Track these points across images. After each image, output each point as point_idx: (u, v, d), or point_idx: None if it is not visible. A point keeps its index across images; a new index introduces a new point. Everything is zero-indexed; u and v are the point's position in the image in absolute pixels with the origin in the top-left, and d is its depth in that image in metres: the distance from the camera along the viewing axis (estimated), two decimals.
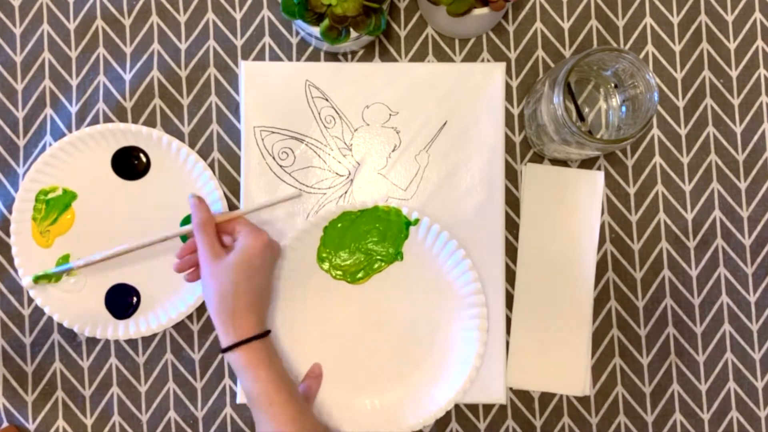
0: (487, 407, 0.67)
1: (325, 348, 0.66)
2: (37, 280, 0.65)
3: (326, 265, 0.66)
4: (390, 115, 0.67)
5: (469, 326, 0.65)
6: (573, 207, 0.67)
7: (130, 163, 0.68)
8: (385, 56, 0.69)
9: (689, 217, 0.68)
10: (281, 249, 0.63)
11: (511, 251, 0.67)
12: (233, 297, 0.57)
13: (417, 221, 0.65)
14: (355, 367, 0.66)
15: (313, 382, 0.64)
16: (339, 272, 0.66)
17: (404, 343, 0.66)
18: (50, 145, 0.67)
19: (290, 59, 0.69)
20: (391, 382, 0.66)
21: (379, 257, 0.66)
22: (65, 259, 0.67)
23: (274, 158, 0.67)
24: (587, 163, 0.68)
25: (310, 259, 0.66)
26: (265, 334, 0.58)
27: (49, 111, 0.69)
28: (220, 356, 0.67)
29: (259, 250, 0.59)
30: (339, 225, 0.65)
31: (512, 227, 0.68)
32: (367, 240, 0.66)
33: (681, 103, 0.68)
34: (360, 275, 0.66)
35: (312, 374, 0.65)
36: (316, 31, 0.61)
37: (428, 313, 0.66)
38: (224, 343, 0.57)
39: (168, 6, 0.69)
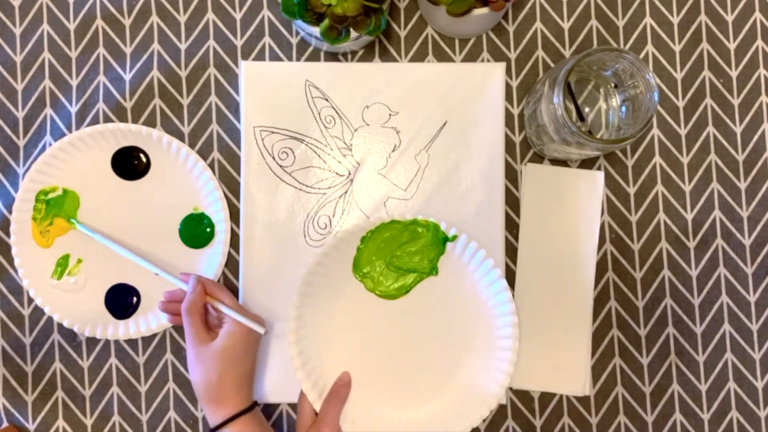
0: None
1: (355, 358, 0.66)
2: None
3: (361, 276, 0.66)
4: (390, 115, 0.67)
5: (500, 346, 0.64)
6: (573, 207, 0.67)
7: (130, 163, 0.68)
8: (385, 56, 0.69)
9: (689, 217, 0.68)
10: (267, 326, 0.64)
11: (511, 251, 0.67)
12: (218, 383, 0.58)
13: (455, 237, 0.64)
14: (384, 379, 0.66)
15: (342, 390, 0.64)
16: (373, 284, 0.66)
17: (434, 358, 0.66)
18: (50, 145, 0.67)
19: (290, 59, 0.69)
20: (419, 398, 0.65)
21: (414, 271, 0.66)
22: (65, 259, 0.67)
23: (274, 158, 0.67)
24: (587, 163, 0.68)
25: (345, 268, 0.66)
26: (252, 407, 0.60)
27: (49, 111, 0.69)
28: None
29: (243, 336, 0.60)
30: (376, 236, 0.65)
31: (512, 227, 0.68)
32: (403, 253, 0.65)
33: (681, 103, 0.68)
34: (394, 288, 0.66)
35: (341, 381, 0.64)
36: (316, 31, 0.61)
37: (460, 330, 0.66)
38: (212, 423, 0.59)
39: (168, 6, 0.69)
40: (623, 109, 0.63)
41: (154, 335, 0.68)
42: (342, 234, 0.64)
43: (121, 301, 0.67)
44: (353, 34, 0.61)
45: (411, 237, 0.65)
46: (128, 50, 0.69)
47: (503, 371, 0.63)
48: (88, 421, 0.68)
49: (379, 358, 0.66)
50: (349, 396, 0.64)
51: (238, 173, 0.68)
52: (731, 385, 0.68)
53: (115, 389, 0.68)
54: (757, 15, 0.69)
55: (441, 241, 0.65)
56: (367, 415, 0.64)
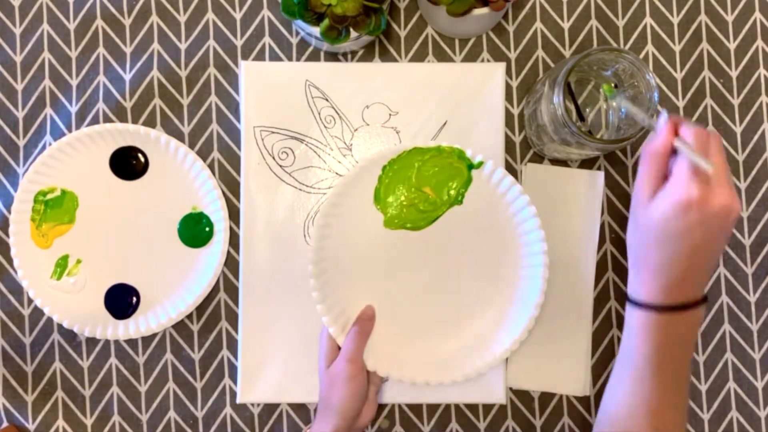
0: (487, 407, 0.67)
1: (379, 291, 0.64)
2: None
3: (382, 207, 0.64)
4: (390, 115, 0.67)
5: (528, 275, 0.63)
6: (573, 207, 0.67)
7: (128, 163, 0.68)
8: (385, 56, 0.69)
9: None
10: (729, 214, 0.46)
11: None
12: (641, 251, 0.50)
13: (480, 164, 0.62)
14: (408, 313, 0.64)
15: (365, 324, 0.62)
16: (395, 214, 0.64)
17: (460, 290, 0.64)
18: (50, 144, 0.67)
19: (290, 59, 0.69)
20: (444, 333, 0.64)
21: (438, 200, 0.64)
22: (64, 260, 0.67)
23: (274, 158, 0.67)
24: (587, 163, 0.68)
25: (367, 199, 0.64)
26: (693, 304, 0.49)
27: (49, 111, 0.69)
28: (220, 356, 0.67)
29: (676, 209, 0.45)
30: (397, 165, 0.63)
31: None
32: (426, 182, 0.63)
33: (681, 103, 0.68)
34: (418, 219, 0.64)
35: (364, 315, 0.63)
36: (316, 31, 0.61)
37: (486, 261, 0.64)
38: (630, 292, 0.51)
39: (168, 6, 0.69)
40: (623, 109, 0.63)
41: (154, 335, 0.68)
42: (363, 163, 0.62)
43: (121, 301, 0.67)
44: (353, 34, 0.61)
45: (435, 165, 0.63)
46: (128, 50, 0.69)
47: (532, 303, 0.62)
48: (88, 421, 0.68)
49: (403, 291, 0.65)
50: (374, 331, 0.63)
51: (238, 173, 0.68)
52: (731, 385, 0.68)
53: (115, 389, 0.68)
54: (757, 15, 0.69)
55: (467, 168, 0.63)
56: (391, 350, 0.63)
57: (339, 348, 0.62)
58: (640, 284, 0.51)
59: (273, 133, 0.67)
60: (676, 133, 0.48)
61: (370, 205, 0.64)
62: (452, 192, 0.64)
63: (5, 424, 0.67)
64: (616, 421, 0.53)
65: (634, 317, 0.52)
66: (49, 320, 0.68)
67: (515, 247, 0.64)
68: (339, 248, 0.64)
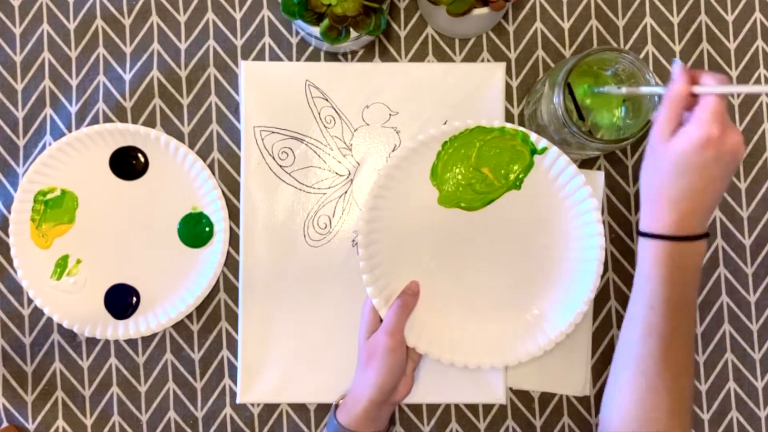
0: (487, 407, 0.67)
1: (426, 269, 0.64)
2: None
3: (438, 184, 0.63)
4: (390, 115, 0.67)
5: (582, 269, 0.62)
6: None
7: (128, 163, 0.68)
8: (385, 56, 0.69)
9: None
10: (738, 154, 0.50)
11: None
12: (656, 187, 0.52)
13: (544, 150, 0.61)
14: (454, 294, 0.64)
15: (409, 299, 0.62)
16: (451, 192, 0.63)
17: (509, 276, 0.64)
18: (50, 144, 0.67)
19: (290, 59, 0.69)
20: (489, 317, 0.64)
21: (496, 182, 0.63)
22: (64, 260, 0.67)
23: (274, 158, 0.67)
24: (587, 163, 0.68)
25: (423, 174, 0.63)
26: (674, 238, 0.52)
27: (49, 111, 0.69)
28: (219, 356, 0.67)
29: (696, 145, 0.49)
30: (458, 143, 0.62)
31: None
32: (486, 163, 0.63)
33: None
34: (473, 199, 0.63)
35: (409, 291, 0.63)
36: (316, 31, 0.61)
37: (538, 249, 0.63)
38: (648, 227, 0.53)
39: (168, 6, 0.69)
40: (623, 109, 0.63)
41: (154, 335, 0.68)
42: (424, 137, 0.61)
43: (121, 301, 0.67)
44: (353, 34, 0.61)
45: (496, 146, 0.62)
46: (128, 50, 0.69)
47: (581, 299, 0.61)
48: (88, 421, 0.68)
49: (451, 270, 0.64)
50: (417, 308, 0.63)
51: (238, 173, 0.68)
52: (731, 385, 0.68)
53: (114, 389, 0.68)
54: (757, 15, 0.69)
55: (529, 153, 0.62)
56: (433, 329, 0.63)
57: (380, 321, 0.62)
58: (654, 218, 0.53)
59: (273, 133, 0.67)
60: (692, 82, 0.51)
61: (425, 181, 0.63)
62: (512, 176, 0.63)
63: (5, 424, 0.67)
64: (628, 354, 0.54)
65: (647, 248, 0.53)
66: (49, 320, 0.68)
67: (569, 238, 0.63)
68: (390, 221, 0.63)
